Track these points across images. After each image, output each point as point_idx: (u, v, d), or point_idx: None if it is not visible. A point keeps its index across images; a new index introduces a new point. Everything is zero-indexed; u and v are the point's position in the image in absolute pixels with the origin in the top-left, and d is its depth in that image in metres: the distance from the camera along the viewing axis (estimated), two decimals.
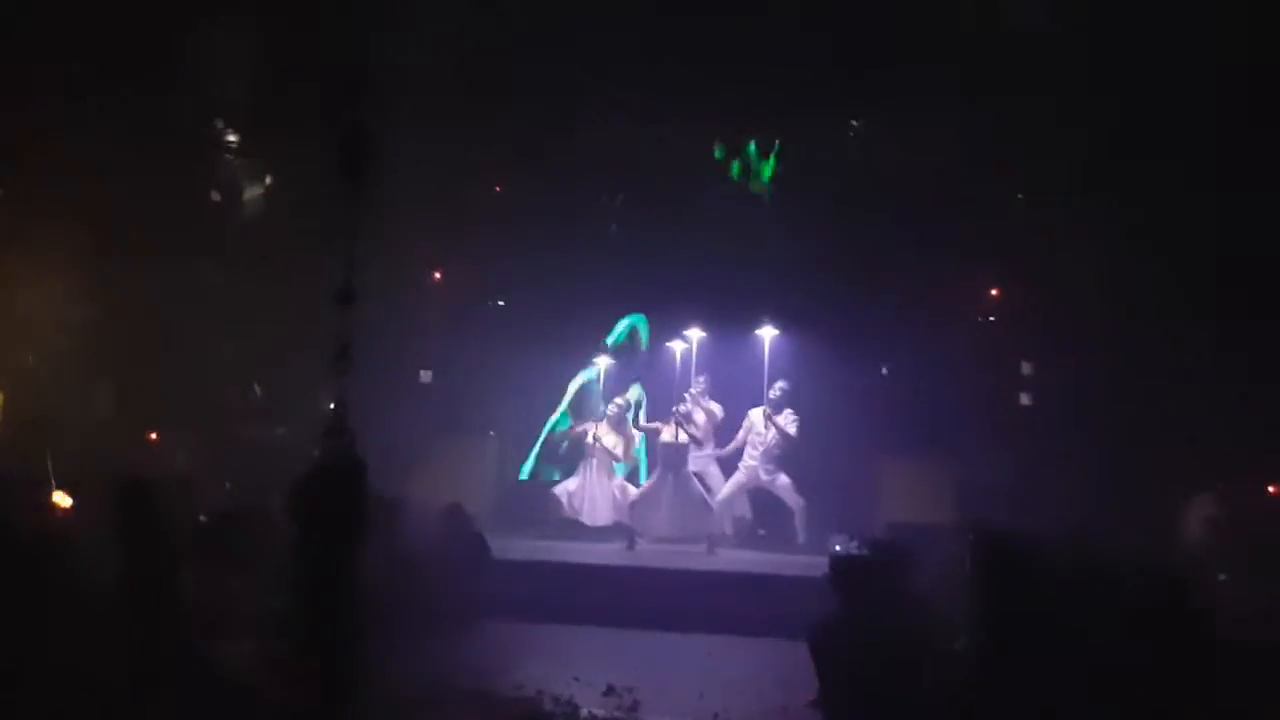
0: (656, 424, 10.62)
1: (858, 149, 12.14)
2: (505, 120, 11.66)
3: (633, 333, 11.38)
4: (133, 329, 10.86)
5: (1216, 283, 10.19)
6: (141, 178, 10.52)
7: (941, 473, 10.58)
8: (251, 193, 12.00)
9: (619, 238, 12.45)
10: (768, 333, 10.51)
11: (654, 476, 10.32)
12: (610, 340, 11.33)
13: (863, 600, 5.32)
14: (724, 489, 10.37)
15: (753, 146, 11.12)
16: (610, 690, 6.20)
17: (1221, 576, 7.77)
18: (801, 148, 11.94)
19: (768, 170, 11.07)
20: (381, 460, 5.72)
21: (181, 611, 5.45)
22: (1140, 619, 4.73)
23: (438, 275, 12.89)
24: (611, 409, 10.66)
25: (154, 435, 10.87)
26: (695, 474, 10.24)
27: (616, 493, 10.43)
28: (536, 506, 10.81)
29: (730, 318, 10.92)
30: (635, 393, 11.19)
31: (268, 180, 12.03)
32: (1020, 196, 11.82)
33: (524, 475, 11.18)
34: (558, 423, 11.24)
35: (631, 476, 10.88)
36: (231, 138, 11.90)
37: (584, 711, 5.94)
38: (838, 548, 7.14)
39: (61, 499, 8.60)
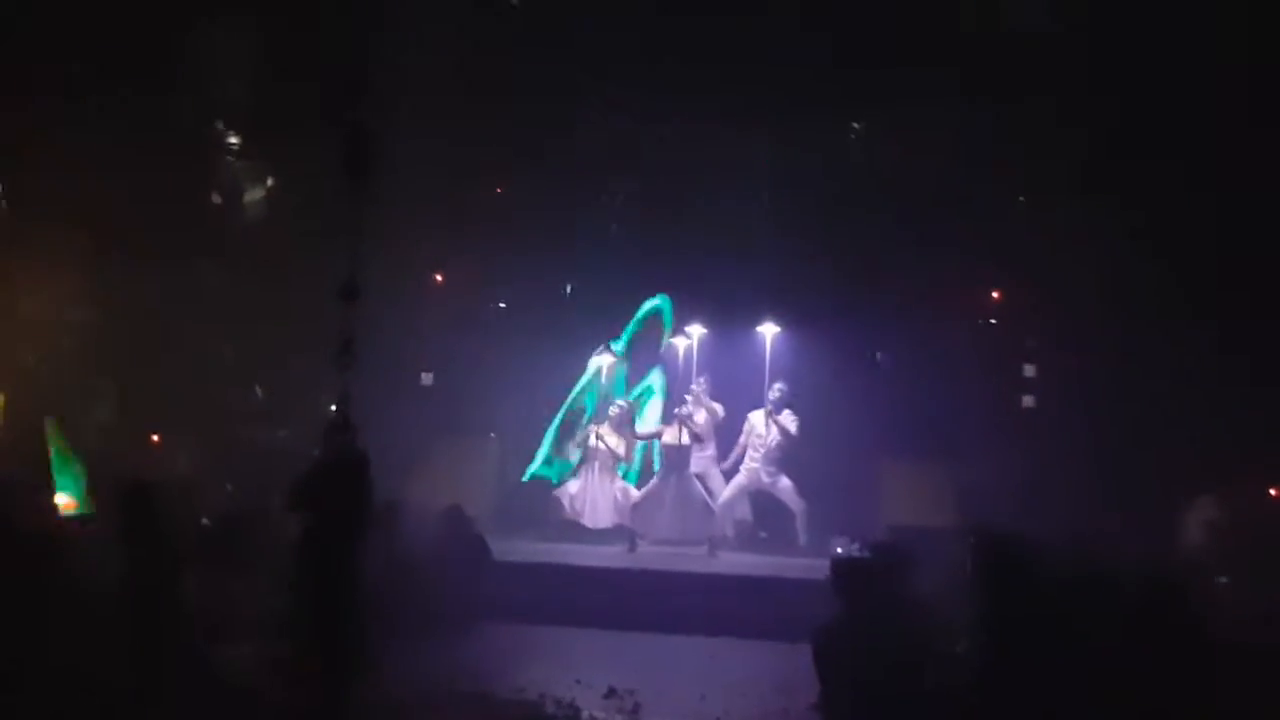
0: (659, 429, 10.59)
1: (859, 150, 12.14)
2: (506, 120, 11.65)
3: (656, 315, 11.23)
4: (134, 331, 10.86)
5: (1218, 285, 10.17)
6: (142, 178, 10.51)
7: (943, 475, 10.56)
8: (252, 194, 11.98)
9: (620, 238, 12.43)
10: (769, 329, 10.48)
11: (656, 479, 10.30)
12: (632, 323, 11.17)
13: (864, 603, 5.31)
14: (725, 491, 10.33)
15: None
16: (611, 693, 6.21)
17: (1222, 579, 7.78)
18: (802, 148, 11.91)
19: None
20: (382, 462, 5.74)
21: (183, 613, 5.46)
22: (1141, 622, 4.74)
23: (439, 277, 12.86)
24: (613, 410, 10.62)
25: (156, 437, 10.86)
26: (697, 476, 10.22)
27: (618, 495, 10.40)
28: (537, 508, 10.78)
29: (730, 320, 10.89)
30: (657, 378, 11.08)
31: (269, 181, 12.01)
32: (1021, 198, 11.80)
33: (536, 466, 10.89)
34: (578, 399, 10.81)
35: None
36: (232, 138, 11.87)
37: (585, 714, 5.95)
38: (839, 550, 7.15)
39: (63, 500, 8.62)
